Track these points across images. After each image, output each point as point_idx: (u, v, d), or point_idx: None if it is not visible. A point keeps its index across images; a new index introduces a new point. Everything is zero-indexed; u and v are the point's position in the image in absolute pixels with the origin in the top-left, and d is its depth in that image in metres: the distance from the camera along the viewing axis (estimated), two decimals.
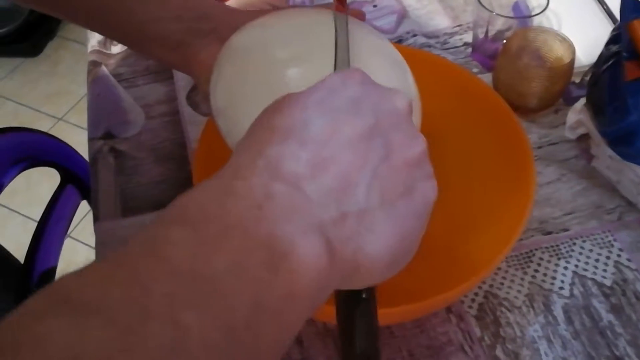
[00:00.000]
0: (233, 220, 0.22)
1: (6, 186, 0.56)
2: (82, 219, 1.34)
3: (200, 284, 0.20)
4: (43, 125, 1.69)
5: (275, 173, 0.24)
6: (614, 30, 0.48)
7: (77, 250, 1.35)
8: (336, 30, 0.37)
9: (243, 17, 0.42)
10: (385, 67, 0.39)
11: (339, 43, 0.36)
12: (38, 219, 0.66)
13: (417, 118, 0.39)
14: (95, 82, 0.64)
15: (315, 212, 0.24)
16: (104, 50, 0.67)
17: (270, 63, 0.37)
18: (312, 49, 0.37)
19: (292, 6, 0.69)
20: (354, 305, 0.28)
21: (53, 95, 1.78)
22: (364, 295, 0.28)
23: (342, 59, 0.35)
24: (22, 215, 1.46)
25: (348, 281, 0.26)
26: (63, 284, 0.20)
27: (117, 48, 0.67)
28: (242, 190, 0.24)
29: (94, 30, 0.49)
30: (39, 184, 1.30)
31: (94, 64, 0.66)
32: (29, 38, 1.86)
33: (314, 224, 0.24)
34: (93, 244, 0.52)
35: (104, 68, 0.66)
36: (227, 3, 0.70)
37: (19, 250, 0.68)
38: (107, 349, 0.18)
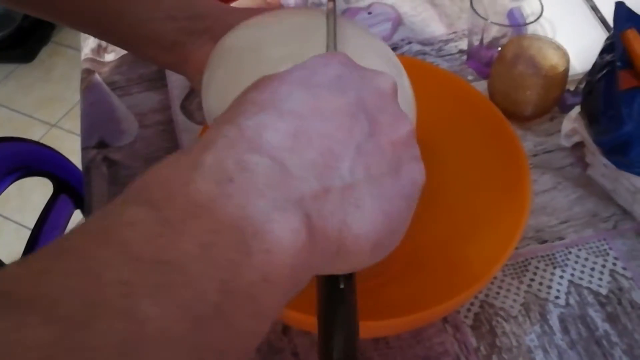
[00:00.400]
0: (200, 197, 0.20)
1: (0, 195, 0.56)
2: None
3: (162, 271, 0.18)
4: (36, 131, 1.68)
5: (250, 144, 0.22)
6: (607, 39, 0.49)
7: None
8: (327, 24, 0.37)
9: (238, 16, 0.42)
10: (381, 66, 0.39)
11: (328, 34, 0.36)
12: (31, 226, 0.65)
13: (411, 120, 0.39)
14: (89, 91, 0.64)
15: (294, 186, 0.22)
16: (98, 58, 0.67)
17: (263, 63, 0.36)
18: (306, 48, 0.36)
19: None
20: (331, 297, 0.27)
21: (47, 101, 1.77)
22: (341, 286, 0.27)
23: (330, 47, 0.35)
24: (15, 222, 1.45)
25: (332, 262, 0.24)
26: (2, 276, 0.18)
27: (110, 56, 0.67)
28: (212, 163, 0.21)
29: (88, 33, 0.48)
30: (32, 191, 1.30)
31: (88, 72, 0.66)
32: (23, 44, 1.85)
33: (292, 199, 0.22)
34: None
35: (97, 76, 0.65)
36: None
37: (11, 258, 0.67)
38: (48, 350, 0.16)
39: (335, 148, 0.24)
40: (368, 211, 0.24)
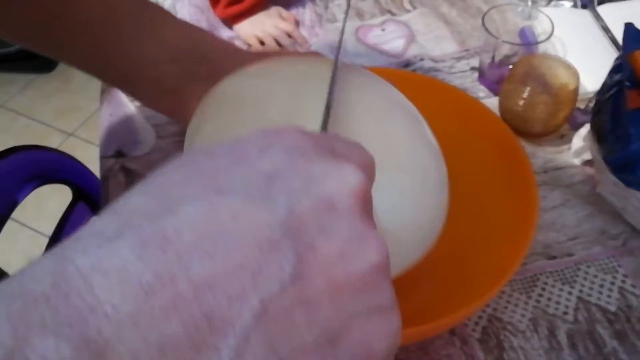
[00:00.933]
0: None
1: (20, 203, 0.57)
2: None
3: None
4: (54, 140, 1.72)
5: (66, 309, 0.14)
6: (617, 59, 0.49)
7: None
8: (330, 87, 0.31)
9: (245, 60, 0.39)
10: (404, 123, 0.36)
11: (327, 101, 0.30)
12: (47, 233, 0.67)
13: (442, 174, 0.36)
14: (108, 102, 0.66)
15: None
16: None
17: (257, 120, 0.33)
18: (305, 106, 0.32)
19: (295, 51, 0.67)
20: None
21: (65, 111, 1.81)
22: None
23: (324, 120, 0.28)
24: (31, 229, 1.48)
25: None
26: None
27: None
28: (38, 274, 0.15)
29: (89, 73, 0.45)
30: (48, 199, 1.32)
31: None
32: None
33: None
34: None
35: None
36: (241, 25, 0.72)
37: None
38: None
39: (220, 310, 0.15)
40: None
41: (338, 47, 0.35)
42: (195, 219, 0.16)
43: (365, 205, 0.18)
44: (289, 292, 0.16)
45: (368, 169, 0.20)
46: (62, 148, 0.97)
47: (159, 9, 0.43)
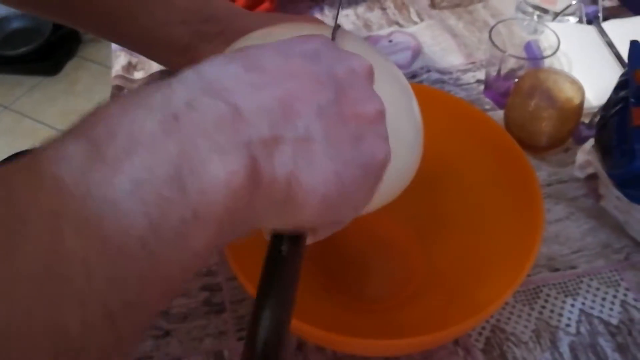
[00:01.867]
0: (141, 135, 0.20)
1: None
2: None
3: (91, 206, 0.18)
4: None
5: (206, 87, 0.22)
6: (622, 75, 0.50)
7: None
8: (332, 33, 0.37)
9: (251, 20, 0.42)
10: (393, 90, 0.39)
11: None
12: None
13: (417, 145, 0.39)
14: None
15: (243, 130, 0.22)
16: (127, 76, 0.70)
17: None
18: None
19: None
20: (271, 261, 0.26)
21: (70, 114, 1.81)
22: (284, 249, 0.26)
23: None
24: None
25: (277, 212, 0.24)
26: None
27: (139, 74, 0.70)
28: (160, 101, 0.21)
29: (102, 37, 0.47)
30: None
31: (118, 89, 0.68)
32: (49, 57, 1.91)
33: (238, 142, 0.22)
34: None
35: (126, 93, 0.68)
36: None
37: None
38: None
39: (296, 104, 0.24)
40: (319, 168, 0.24)
41: (336, 16, 0.38)
42: (277, 62, 0.25)
43: (371, 79, 0.29)
44: (333, 108, 0.25)
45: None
46: None
47: None
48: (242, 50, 0.26)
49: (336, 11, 0.38)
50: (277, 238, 0.26)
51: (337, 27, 0.38)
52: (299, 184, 0.23)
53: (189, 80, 0.23)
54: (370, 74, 0.29)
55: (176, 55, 0.44)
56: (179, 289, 0.22)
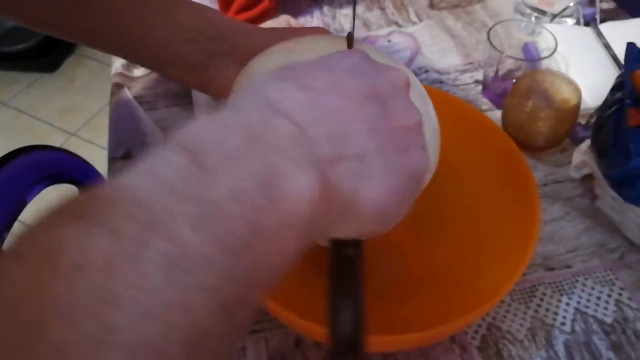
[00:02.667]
0: (231, 150, 0.23)
1: (28, 203, 0.58)
2: None
3: (201, 206, 0.21)
4: (56, 139, 1.72)
5: (275, 109, 0.25)
6: (618, 77, 0.51)
7: None
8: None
9: (260, 38, 0.43)
10: (414, 97, 0.40)
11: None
12: None
13: (435, 150, 0.41)
14: (118, 104, 0.67)
15: (313, 148, 0.25)
16: (127, 73, 0.70)
17: None
18: None
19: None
20: (340, 265, 0.28)
21: (68, 111, 1.82)
22: (350, 253, 0.28)
23: None
24: None
25: (342, 222, 0.27)
26: (69, 201, 0.21)
27: (139, 71, 0.70)
28: (241, 121, 0.24)
29: (112, 54, 0.50)
30: (48, 197, 1.33)
31: (117, 86, 0.69)
32: (47, 54, 1.90)
33: (310, 160, 0.24)
34: None
35: (126, 90, 0.68)
36: None
37: None
38: (111, 258, 0.19)
39: (350, 122, 0.26)
40: (378, 181, 0.26)
41: (353, 20, 0.41)
42: (325, 79, 0.27)
43: (408, 90, 0.30)
44: (381, 123, 0.27)
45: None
46: (64, 148, 0.98)
47: None
48: (290, 70, 0.28)
49: (352, 17, 0.38)
50: (340, 243, 0.29)
51: (351, 36, 0.39)
52: (360, 197, 0.26)
53: (257, 102, 0.25)
54: (407, 86, 0.30)
55: (185, 73, 0.45)
56: (271, 287, 0.24)
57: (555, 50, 0.60)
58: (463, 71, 0.69)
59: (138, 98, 0.67)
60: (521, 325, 0.47)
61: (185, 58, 0.44)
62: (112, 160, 0.61)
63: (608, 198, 0.52)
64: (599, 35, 0.66)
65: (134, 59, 0.49)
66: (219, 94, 0.44)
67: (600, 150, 0.51)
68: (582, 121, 0.60)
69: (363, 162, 0.26)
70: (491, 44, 0.61)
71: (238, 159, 0.23)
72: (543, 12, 0.71)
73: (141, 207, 0.20)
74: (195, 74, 0.44)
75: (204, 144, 0.23)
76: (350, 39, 0.39)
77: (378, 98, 0.28)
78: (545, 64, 0.61)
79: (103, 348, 0.17)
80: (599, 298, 0.49)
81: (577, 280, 0.50)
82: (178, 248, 0.20)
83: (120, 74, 0.70)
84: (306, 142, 0.25)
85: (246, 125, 0.24)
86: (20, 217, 0.60)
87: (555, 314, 0.48)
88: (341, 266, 0.28)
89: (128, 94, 0.68)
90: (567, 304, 0.49)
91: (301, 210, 0.23)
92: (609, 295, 0.49)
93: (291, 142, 0.24)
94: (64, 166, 0.62)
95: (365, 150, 0.26)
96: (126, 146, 0.63)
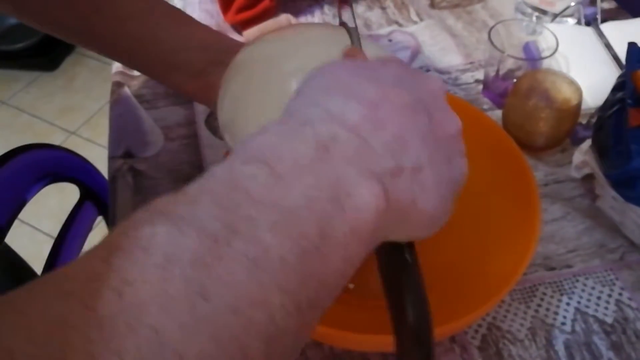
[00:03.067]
0: (304, 160, 0.25)
1: (28, 202, 0.58)
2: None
3: (278, 213, 0.23)
4: (56, 138, 1.72)
5: (339, 122, 0.26)
6: (619, 77, 0.51)
7: None
8: (351, 38, 0.39)
9: None
10: None
11: (353, 43, 0.38)
12: (47, 230, 0.68)
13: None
14: (118, 103, 0.67)
15: (375, 160, 0.26)
16: (127, 72, 0.70)
17: (275, 75, 0.37)
18: (317, 60, 0.36)
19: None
20: (400, 267, 0.30)
21: (67, 110, 1.81)
22: (407, 256, 0.30)
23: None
24: (31, 226, 1.48)
25: (397, 230, 0.28)
26: (158, 202, 0.23)
27: None
28: (310, 134, 0.26)
29: (115, 59, 0.50)
30: (49, 197, 1.33)
31: (118, 85, 0.68)
32: (47, 53, 1.90)
33: (374, 171, 0.26)
34: None
35: (126, 89, 0.68)
36: (250, 31, 0.73)
37: (27, 261, 0.69)
38: (201, 255, 0.20)
39: (405, 135, 0.27)
40: (430, 192, 0.28)
41: (354, 20, 0.40)
42: (376, 92, 0.28)
43: (445, 96, 0.32)
44: (430, 134, 0.28)
45: None
46: (64, 146, 0.99)
47: (186, 14, 0.48)
48: (335, 79, 0.29)
49: (350, 13, 0.38)
50: (397, 248, 0.31)
51: (345, 25, 0.39)
52: (415, 207, 0.28)
53: (322, 117, 0.27)
54: (445, 93, 0.31)
55: (189, 78, 0.46)
56: (337, 292, 0.26)
57: (556, 50, 0.60)
58: (464, 71, 0.69)
59: (138, 97, 0.67)
60: (521, 325, 0.47)
61: (192, 65, 0.45)
62: (112, 159, 0.61)
63: (609, 198, 0.52)
64: (600, 35, 0.66)
65: (138, 64, 0.49)
66: (215, 99, 0.44)
67: (601, 150, 0.51)
68: (583, 121, 0.60)
69: (418, 173, 0.27)
70: (492, 43, 0.60)
71: (310, 169, 0.24)
72: (544, 12, 0.71)
73: (224, 211, 0.22)
74: (198, 80, 0.45)
75: (279, 154, 0.24)
76: (345, 27, 0.39)
77: (423, 109, 0.29)
78: (546, 63, 0.61)
79: (195, 335, 0.19)
80: (599, 298, 0.49)
81: (577, 280, 0.50)
82: (258, 249, 0.21)
83: (121, 73, 0.70)
84: (370, 155, 0.26)
85: (315, 138, 0.25)
86: (20, 216, 0.60)
87: (556, 313, 0.48)
88: (403, 270, 0.30)
89: (128, 92, 0.68)
90: (568, 304, 0.48)
91: (367, 219, 0.25)
92: (610, 295, 0.49)
93: (357, 154, 0.26)
94: (63, 165, 0.62)
95: (421, 163, 0.28)
96: (126, 145, 0.62)
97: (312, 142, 0.25)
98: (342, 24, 0.40)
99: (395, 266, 0.30)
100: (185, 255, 0.20)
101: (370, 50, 0.39)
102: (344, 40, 0.39)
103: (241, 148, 0.25)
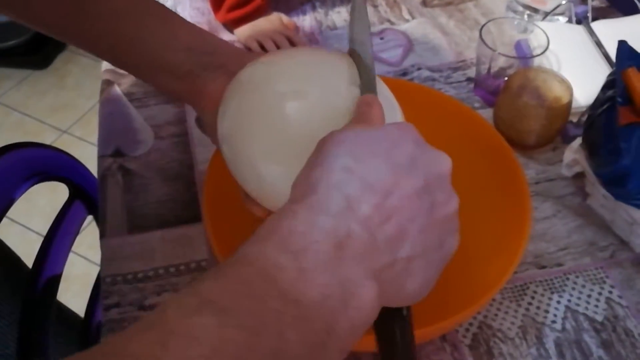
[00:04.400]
0: (323, 256, 0.27)
1: (16, 201, 0.57)
2: (80, 232, 1.34)
3: (298, 307, 0.25)
4: (47, 136, 1.71)
5: (354, 214, 0.28)
6: (609, 75, 0.51)
7: (74, 263, 1.36)
8: (358, 68, 0.39)
9: (250, 57, 0.44)
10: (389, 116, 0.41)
11: (363, 65, 0.39)
12: (37, 229, 0.67)
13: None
14: (108, 101, 0.66)
15: (377, 257, 0.28)
16: (118, 70, 0.69)
17: (272, 96, 0.39)
18: (312, 84, 0.39)
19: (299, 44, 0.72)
20: (396, 321, 0.32)
21: (59, 108, 1.80)
22: (404, 313, 0.32)
23: (368, 81, 0.38)
24: (21, 225, 1.47)
25: (386, 305, 0.31)
26: (206, 287, 0.25)
27: None
28: (330, 227, 0.28)
29: (101, 57, 0.50)
30: (39, 196, 1.32)
31: (107, 83, 0.68)
32: (39, 50, 1.89)
33: (374, 269, 0.28)
34: (90, 257, 0.53)
35: (116, 87, 0.67)
36: (242, 29, 0.73)
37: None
38: (239, 346, 0.23)
39: (406, 226, 0.29)
40: (418, 278, 0.30)
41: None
42: (390, 177, 0.29)
43: (450, 175, 0.33)
44: (429, 220, 0.30)
45: None
46: (56, 145, 0.98)
47: (171, 11, 0.47)
48: (355, 157, 0.30)
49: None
50: (393, 313, 0.33)
51: (354, 52, 0.40)
52: (402, 293, 0.30)
53: (340, 206, 0.28)
54: (450, 171, 0.33)
55: (176, 80, 0.45)
56: None
57: (547, 48, 0.60)
58: (455, 69, 0.68)
59: (128, 95, 0.67)
60: (512, 323, 0.47)
61: (178, 66, 0.44)
62: (101, 157, 0.61)
63: (599, 196, 0.52)
64: (591, 33, 0.66)
65: (124, 62, 0.49)
66: (205, 103, 0.44)
67: (591, 149, 0.51)
68: (574, 119, 0.60)
69: (409, 264, 0.29)
70: (483, 41, 0.60)
71: (327, 267, 0.27)
72: (535, 10, 0.71)
73: (257, 302, 0.25)
74: (184, 82, 0.45)
75: (304, 246, 0.27)
76: (354, 55, 0.40)
77: (428, 194, 0.30)
78: (537, 61, 0.61)
79: None
80: (589, 296, 0.49)
81: (568, 279, 0.50)
82: (281, 343, 0.24)
83: (111, 71, 0.69)
84: (374, 252, 0.28)
85: (336, 234, 0.27)
86: (10, 215, 0.60)
87: (546, 312, 0.48)
88: (400, 324, 0.32)
89: (118, 90, 0.67)
90: (558, 302, 0.49)
91: (364, 316, 0.28)
92: (600, 293, 0.49)
93: (364, 252, 0.28)
94: (52, 163, 0.61)
95: (414, 254, 0.29)
96: (116, 144, 0.62)
97: (331, 237, 0.27)
98: (352, 51, 0.40)
99: (391, 318, 0.32)
100: (228, 348, 0.23)
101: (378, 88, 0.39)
102: (343, 66, 0.39)
103: (273, 226, 0.28)
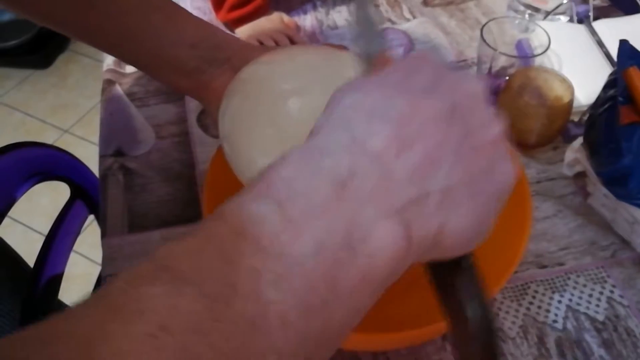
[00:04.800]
0: (317, 200, 0.23)
1: (17, 200, 0.57)
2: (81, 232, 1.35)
3: (284, 263, 0.21)
4: (49, 136, 1.71)
5: (361, 150, 0.24)
6: (611, 74, 0.51)
7: (75, 262, 1.36)
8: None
9: (255, 51, 0.44)
10: None
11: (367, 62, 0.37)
12: (39, 229, 0.67)
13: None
14: (109, 101, 0.66)
15: (397, 193, 0.24)
16: (119, 70, 0.69)
17: (273, 94, 0.39)
18: (314, 82, 0.39)
19: (301, 42, 0.72)
20: (456, 276, 0.28)
21: (60, 108, 1.80)
22: (463, 265, 0.28)
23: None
24: (23, 224, 1.47)
25: (427, 254, 0.26)
26: (163, 252, 0.22)
27: (131, 68, 0.69)
28: (328, 167, 0.24)
29: (108, 53, 0.51)
30: (41, 195, 1.32)
31: (109, 83, 0.68)
32: (40, 50, 1.89)
33: (394, 206, 0.24)
34: (91, 256, 0.53)
35: (118, 87, 0.68)
36: (243, 28, 0.73)
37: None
38: (197, 320, 0.19)
39: (434, 153, 0.25)
40: (463, 213, 0.25)
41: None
42: (405, 106, 0.25)
43: (486, 97, 0.28)
44: (465, 144, 0.25)
45: None
46: (57, 145, 0.98)
47: (178, 6, 0.47)
48: (366, 95, 0.26)
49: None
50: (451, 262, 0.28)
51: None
52: (446, 232, 0.25)
53: (344, 144, 0.25)
54: (484, 92, 0.28)
55: (182, 76, 0.45)
56: (339, 345, 0.24)
57: (548, 47, 0.60)
58: (456, 68, 0.68)
59: (129, 94, 0.67)
60: (513, 322, 0.47)
61: (184, 62, 0.45)
62: (102, 157, 0.61)
63: (600, 195, 0.52)
64: (592, 32, 0.66)
65: (130, 59, 0.49)
66: (212, 98, 0.44)
67: (592, 148, 0.51)
68: (575, 119, 0.60)
69: (447, 195, 0.25)
70: (484, 40, 0.60)
71: (325, 211, 0.23)
72: (536, 9, 0.71)
73: (227, 264, 0.21)
74: (190, 78, 0.45)
75: (293, 191, 0.23)
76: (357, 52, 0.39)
77: (459, 117, 0.26)
78: (538, 61, 0.61)
79: None
80: (590, 295, 0.49)
81: (569, 278, 0.50)
82: (257, 308, 0.20)
83: (112, 70, 0.69)
84: (391, 188, 0.24)
85: (333, 172, 0.23)
86: (12, 214, 0.60)
87: (547, 311, 0.48)
88: (454, 273, 0.28)
89: (119, 90, 0.67)
90: (559, 302, 0.48)
91: (381, 266, 0.23)
92: (601, 293, 0.49)
93: (376, 188, 0.23)
94: (53, 163, 0.61)
95: (450, 182, 0.25)
96: (117, 143, 0.62)
97: (329, 177, 0.23)
98: (355, 49, 0.40)
99: (448, 272, 0.28)
100: (181, 321, 0.19)
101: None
102: (345, 63, 0.39)
103: (258, 178, 0.24)
